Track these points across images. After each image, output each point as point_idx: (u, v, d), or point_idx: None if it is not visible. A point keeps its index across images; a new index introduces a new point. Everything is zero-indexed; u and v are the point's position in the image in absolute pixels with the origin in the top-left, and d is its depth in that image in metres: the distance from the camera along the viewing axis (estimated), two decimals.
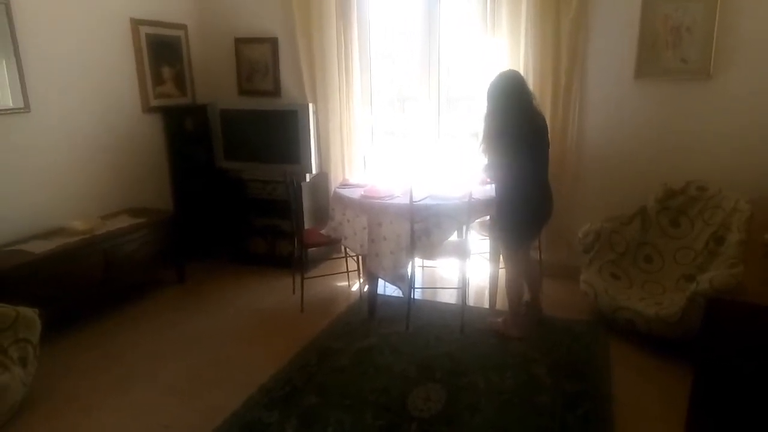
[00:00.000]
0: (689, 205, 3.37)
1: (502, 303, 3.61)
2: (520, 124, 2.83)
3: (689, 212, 3.37)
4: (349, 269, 3.98)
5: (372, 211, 3.22)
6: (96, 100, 3.80)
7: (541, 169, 3.00)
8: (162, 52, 4.29)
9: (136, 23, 4.04)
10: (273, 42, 4.47)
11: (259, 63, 4.55)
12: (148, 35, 4.14)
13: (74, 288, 3.31)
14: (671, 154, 3.62)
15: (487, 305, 3.62)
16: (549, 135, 3.05)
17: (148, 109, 4.21)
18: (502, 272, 3.78)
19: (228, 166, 4.43)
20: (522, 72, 3.75)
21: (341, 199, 3.43)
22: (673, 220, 3.41)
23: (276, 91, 4.56)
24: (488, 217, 3.50)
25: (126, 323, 3.50)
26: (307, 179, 4.22)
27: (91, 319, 3.49)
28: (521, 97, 2.87)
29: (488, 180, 3.51)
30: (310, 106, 4.17)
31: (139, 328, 3.44)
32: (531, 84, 3.73)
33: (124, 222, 3.75)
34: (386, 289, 3.82)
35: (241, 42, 4.57)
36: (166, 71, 4.36)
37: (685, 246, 3.31)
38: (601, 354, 2.99)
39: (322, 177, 4.45)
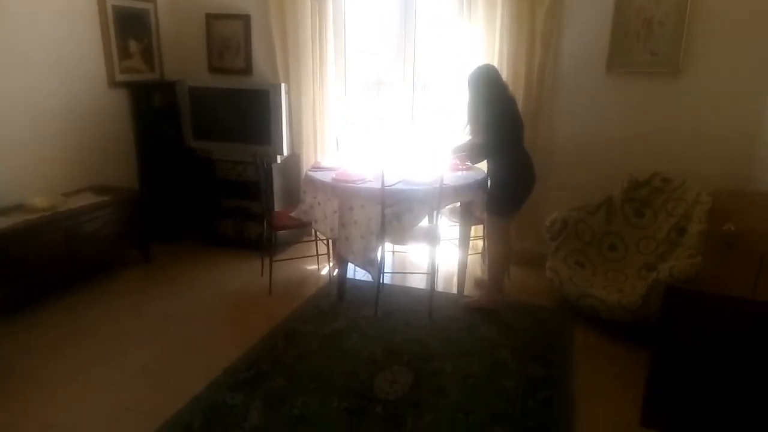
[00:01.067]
0: (653, 196, 3.46)
1: (470, 289, 3.67)
2: (512, 108, 3.21)
3: (653, 203, 3.46)
4: (319, 253, 3.96)
5: (343, 194, 3.20)
6: (59, 73, 3.66)
7: (524, 147, 3.31)
8: (129, 25, 4.15)
9: None
10: (245, 19, 4.36)
11: (230, 40, 4.44)
12: (115, 7, 3.99)
13: (35, 267, 3.21)
14: (638, 146, 3.70)
15: (455, 291, 3.65)
16: None
17: (113, 84, 4.07)
18: (470, 258, 3.84)
19: (197, 145, 4.34)
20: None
21: (312, 182, 3.39)
22: (637, 211, 3.49)
23: (247, 70, 4.47)
24: (458, 204, 3.54)
25: (89, 304, 3.42)
26: (278, 161, 4.17)
27: (53, 299, 3.40)
28: (505, 86, 3.24)
29: (466, 165, 3.53)
30: (283, 86, 4.10)
31: (102, 309, 3.36)
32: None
33: (87, 200, 3.65)
34: (356, 273, 3.82)
35: (212, 18, 4.45)
36: (134, 45, 4.22)
37: (648, 236, 3.40)
38: (564, 340, 3.06)
39: (294, 159, 4.40)
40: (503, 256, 3.42)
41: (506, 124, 3.17)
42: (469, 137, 3.37)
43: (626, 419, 2.34)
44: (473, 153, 3.32)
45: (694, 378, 1.57)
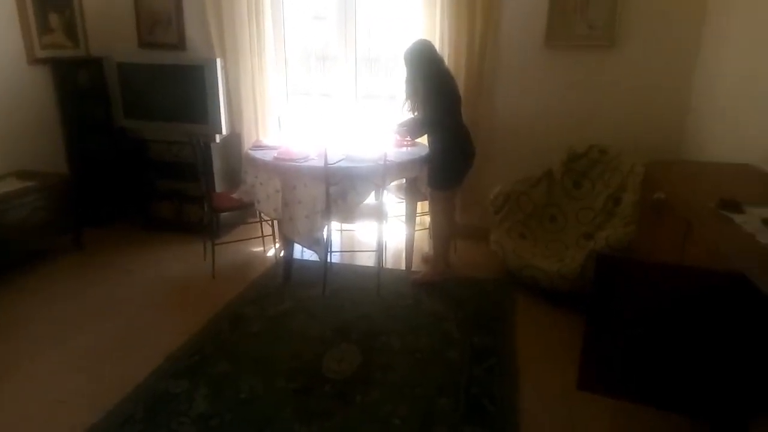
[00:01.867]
0: (591, 167, 3.56)
1: (417, 264, 3.69)
2: (449, 83, 3.22)
3: (591, 174, 3.56)
4: (264, 234, 3.88)
5: (286, 173, 3.13)
6: None
7: (462, 121, 3.34)
8: None
9: None
10: None
11: (161, 14, 4.20)
12: None
13: None
14: (578, 118, 3.78)
15: (403, 267, 3.67)
16: None
17: (33, 61, 3.79)
18: (418, 234, 3.86)
19: (128, 125, 4.13)
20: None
21: (253, 161, 3.29)
22: (576, 182, 3.59)
23: (180, 45, 4.25)
24: (404, 180, 3.53)
25: (19, 294, 3.23)
26: (217, 140, 4.02)
27: None
28: (441, 61, 3.27)
29: (409, 140, 3.52)
30: (218, 61, 3.93)
31: (33, 299, 3.18)
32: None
33: (11, 186, 3.42)
34: (303, 253, 3.77)
35: None
36: (54, 18, 3.93)
37: (586, 206, 3.51)
38: (508, 310, 3.14)
39: (234, 138, 4.25)
40: (447, 230, 3.47)
41: (444, 99, 3.19)
42: (410, 113, 3.37)
43: (567, 383, 2.43)
44: (413, 128, 3.31)
45: (626, 342, 1.64)
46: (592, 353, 1.69)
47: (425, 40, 3.30)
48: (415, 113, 3.31)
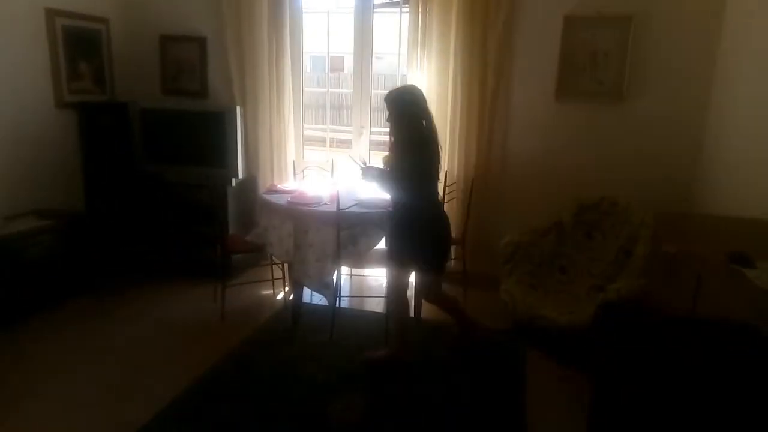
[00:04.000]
0: (602, 219, 3.56)
1: (426, 312, 3.66)
2: (430, 148, 2.76)
3: (601, 226, 3.56)
4: (275, 277, 3.90)
5: (299, 217, 3.18)
6: (2, 91, 3.52)
7: (436, 191, 2.93)
8: (80, 45, 4.06)
9: (52, 14, 3.80)
10: (201, 41, 4.34)
11: (186, 62, 4.40)
12: (64, 27, 3.90)
13: None
14: (587, 171, 3.82)
15: (412, 315, 3.64)
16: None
17: (61, 105, 3.95)
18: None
19: (148, 167, 4.24)
20: (451, 90, 3.87)
21: (267, 205, 3.36)
22: (587, 233, 3.59)
23: (203, 92, 4.43)
24: None
25: (31, 333, 3.25)
26: (233, 184, 4.11)
27: None
28: (427, 118, 2.79)
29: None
30: (238, 108, 4.07)
31: (45, 338, 3.19)
32: (459, 102, 3.86)
33: (30, 224, 3.50)
34: (312, 297, 3.77)
35: (167, 40, 4.40)
36: (84, 66, 4.12)
37: (597, 258, 3.49)
38: (518, 361, 3.09)
39: (250, 181, 4.34)
40: (399, 306, 3.00)
41: (415, 163, 2.72)
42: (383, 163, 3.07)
43: None
44: (380, 180, 2.89)
45: (636, 396, 1.61)
46: (601, 409, 1.65)
47: (412, 87, 2.89)
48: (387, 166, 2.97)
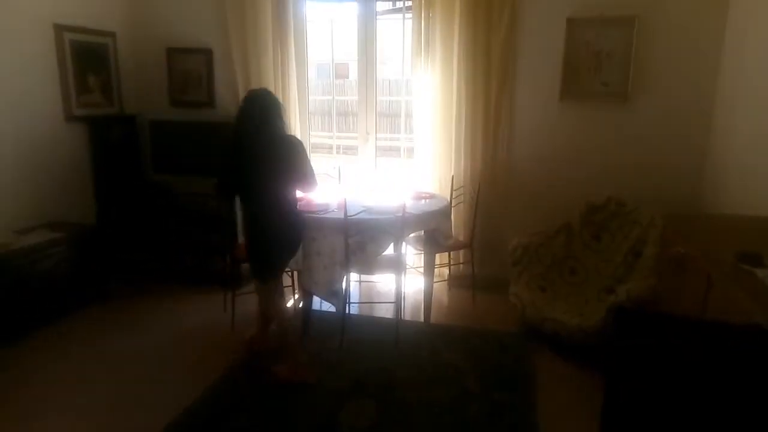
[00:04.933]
0: (610, 220, 3.55)
1: (436, 316, 3.67)
2: (240, 147, 2.69)
3: (610, 227, 3.55)
4: (284, 285, 3.91)
5: (307, 225, 3.19)
6: (13, 106, 3.58)
7: (262, 200, 2.77)
8: (88, 59, 4.12)
9: (60, 29, 3.85)
10: (207, 53, 4.38)
11: (192, 74, 4.44)
12: (72, 42, 3.96)
13: None
14: (594, 172, 3.82)
15: (422, 319, 3.65)
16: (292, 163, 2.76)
17: (71, 118, 4.01)
18: (436, 285, 3.86)
19: (158, 178, 4.28)
20: (455, 93, 3.88)
21: None
22: (595, 235, 3.58)
23: (210, 103, 4.47)
24: (423, 232, 3.57)
25: (43, 344, 3.28)
26: None
27: (2, 340, 3.25)
28: (244, 119, 2.70)
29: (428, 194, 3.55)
30: None
31: (56, 350, 3.22)
32: (463, 105, 3.86)
33: (42, 237, 3.54)
34: (322, 304, 3.78)
35: (173, 52, 4.45)
36: (92, 80, 4.17)
37: (606, 259, 3.48)
38: (528, 364, 3.08)
39: None
40: (277, 323, 3.02)
41: (226, 163, 2.74)
42: None
43: None
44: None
45: (648, 398, 1.60)
46: (612, 411, 1.65)
47: (253, 93, 2.80)
48: None
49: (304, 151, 2.83)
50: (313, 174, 2.85)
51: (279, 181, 2.73)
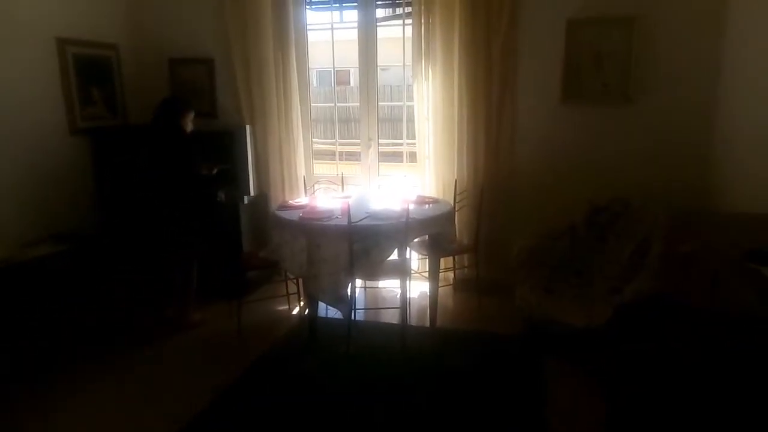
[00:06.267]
0: (614, 220, 3.54)
1: (442, 320, 3.66)
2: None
3: (615, 227, 3.53)
4: (289, 292, 3.92)
5: (311, 232, 3.20)
6: (18, 121, 3.61)
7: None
8: (91, 72, 4.15)
9: (63, 43, 3.89)
10: (209, 63, 4.41)
11: (194, 84, 4.47)
12: (75, 55, 3.99)
13: None
14: (596, 172, 3.81)
15: (428, 324, 3.64)
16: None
17: (75, 131, 4.03)
18: (442, 290, 3.85)
19: None
20: (457, 97, 3.88)
21: (279, 221, 3.38)
22: (599, 236, 3.56)
23: (212, 113, 4.49)
24: (427, 237, 3.57)
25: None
26: (245, 201, 4.15)
27: None
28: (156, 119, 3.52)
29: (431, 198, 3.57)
30: (248, 127, 4.13)
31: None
32: (465, 109, 3.87)
33: (47, 249, 3.55)
34: (328, 311, 3.79)
35: (175, 63, 4.48)
36: (96, 92, 4.21)
37: (612, 260, 3.46)
38: (536, 368, 3.06)
39: (262, 198, 4.39)
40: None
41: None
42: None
43: None
44: None
45: (655, 398, 1.59)
46: (617, 414, 1.64)
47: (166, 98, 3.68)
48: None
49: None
50: None
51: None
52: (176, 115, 3.51)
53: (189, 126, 3.60)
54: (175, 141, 3.48)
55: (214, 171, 3.70)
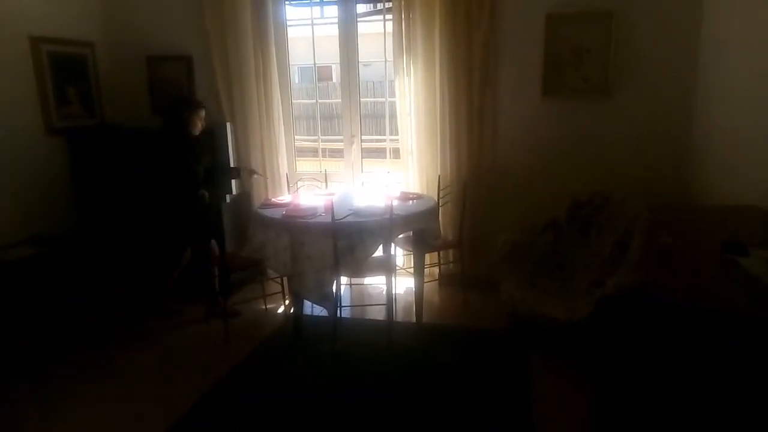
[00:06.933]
0: (596, 214, 3.57)
1: (428, 316, 3.67)
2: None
3: (596, 221, 3.57)
4: (274, 292, 3.89)
5: (295, 230, 3.18)
6: None
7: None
8: (67, 71, 4.06)
9: (37, 41, 3.80)
10: (187, 60, 4.35)
11: (173, 82, 4.40)
12: (50, 53, 3.91)
13: None
14: (579, 167, 3.85)
15: (414, 320, 3.65)
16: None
17: (51, 131, 3.95)
18: (427, 286, 3.86)
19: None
20: (438, 93, 3.88)
21: (262, 220, 3.36)
22: (581, 230, 3.59)
23: None
24: (411, 233, 3.57)
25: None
26: (227, 200, 4.11)
27: None
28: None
29: (415, 194, 3.58)
30: (228, 125, 4.08)
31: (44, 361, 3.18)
32: (447, 104, 3.87)
33: (25, 252, 3.48)
34: (313, 309, 3.77)
35: (153, 60, 4.41)
36: (72, 91, 4.12)
37: (593, 253, 3.50)
38: (519, 361, 3.09)
39: (244, 197, 4.34)
40: None
41: None
42: None
43: None
44: None
45: (639, 389, 1.62)
46: (602, 407, 1.66)
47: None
48: None
49: None
50: None
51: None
52: (183, 115, 3.60)
53: (199, 125, 3.66)
54: (173, 140, 3.57)
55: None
